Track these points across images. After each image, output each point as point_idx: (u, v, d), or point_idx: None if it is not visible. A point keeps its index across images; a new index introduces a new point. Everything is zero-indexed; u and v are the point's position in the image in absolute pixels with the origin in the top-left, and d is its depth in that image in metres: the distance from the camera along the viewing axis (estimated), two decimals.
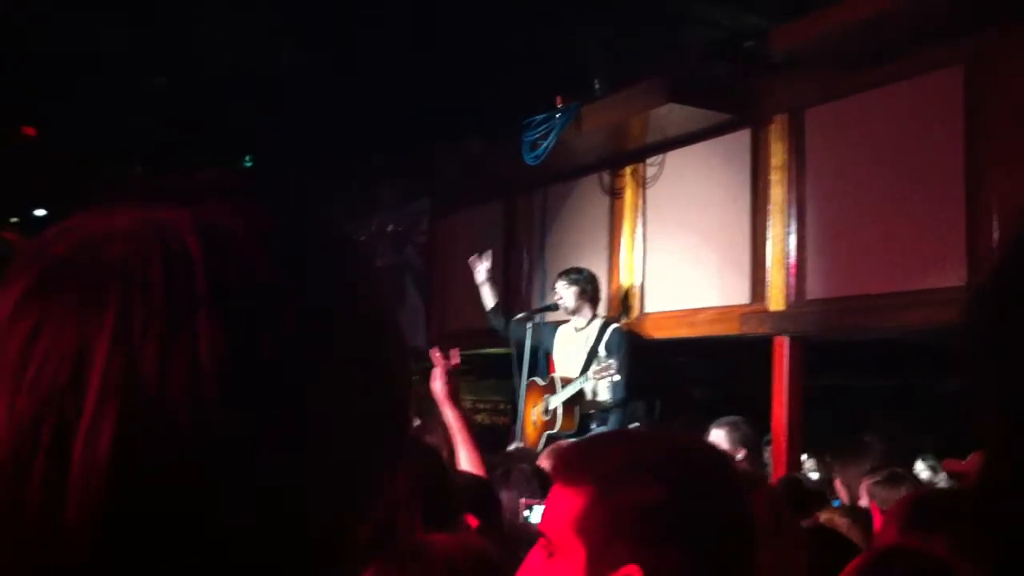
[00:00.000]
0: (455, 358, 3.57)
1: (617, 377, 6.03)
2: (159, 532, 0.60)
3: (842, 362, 7.42)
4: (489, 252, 7.11)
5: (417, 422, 6.62)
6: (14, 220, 11.11)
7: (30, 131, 8.34)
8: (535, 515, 3.15)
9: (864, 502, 4.05)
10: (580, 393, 6.30)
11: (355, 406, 0.66)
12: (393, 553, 1.86)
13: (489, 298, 7.03)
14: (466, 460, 3.35)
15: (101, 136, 8.28)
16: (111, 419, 0.59)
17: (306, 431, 0.63)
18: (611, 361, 6.03)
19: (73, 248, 0.64)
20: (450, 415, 3.45)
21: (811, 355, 5.80)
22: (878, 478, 4.08)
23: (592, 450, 1.56)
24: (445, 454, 3.97)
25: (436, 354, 3.58)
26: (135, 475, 0.59)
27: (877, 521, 3.05)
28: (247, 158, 9.03)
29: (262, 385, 0.62)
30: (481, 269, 7.05)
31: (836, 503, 4.47)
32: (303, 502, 0.64)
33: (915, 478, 4.19)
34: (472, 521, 2.87)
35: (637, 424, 6.38)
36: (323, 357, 0.65)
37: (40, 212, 10.40)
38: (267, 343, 0.62)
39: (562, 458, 1.55)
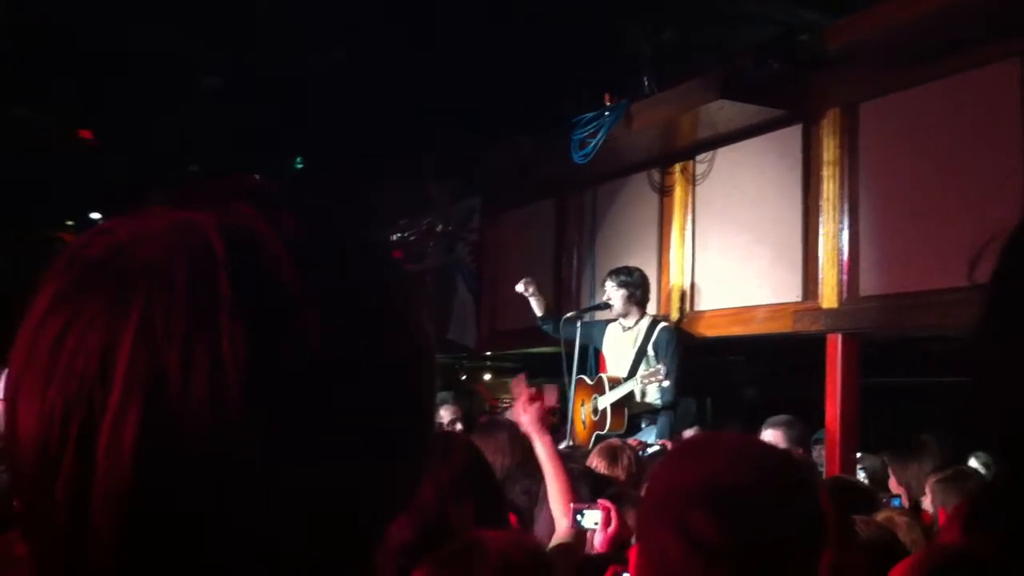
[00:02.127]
0: (550, 400, 3.46)
1: (666, 383, 6.00)
2: (179, 526, 0.61)
3: (894, 360, 7.32)
4: (529, 279, 7.16)
5: (459, 426, 6.67)
6: (70, 223, 11.26)
7: (87, 134, 8.44)
8: (587, 520, 3.11)
9: (928, 502, 4.00)
10: (629, 395, 6.28)
11: (374, 406, 0.67)
12: (447, 550, 1.86)
13: (538, 308, 7.11)
14: (554, 492, 3.19)
15: (157, 139, 8.37)
16: (135, 414, 0.60)
17: (324, 430, 0.64)
18: (659, 367, 6.00)
19: (104, 250, 0.65)
20: (539, 445, 3.27)
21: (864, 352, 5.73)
22: (943, 476, 4.01)
23: None
24: (508, 462, 3.93)
25: (520, 385, 3.50)
26: (158, 469, 0.60)
27: (942, 521, 3.00)
28: (298, 159, 9.08)
29: (282, 384, 0.62)
30: (521, 290, 7.09)
31: (896, 502, 4.40)
32: (320, 500, 0.64)
33: (982, 476, 4.12)
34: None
35: (688, 424, 6.35)
36: (343, 357, 0.65)
37: (95, 215, 10.53)
38: (288, 343, 0.63)
39: None
